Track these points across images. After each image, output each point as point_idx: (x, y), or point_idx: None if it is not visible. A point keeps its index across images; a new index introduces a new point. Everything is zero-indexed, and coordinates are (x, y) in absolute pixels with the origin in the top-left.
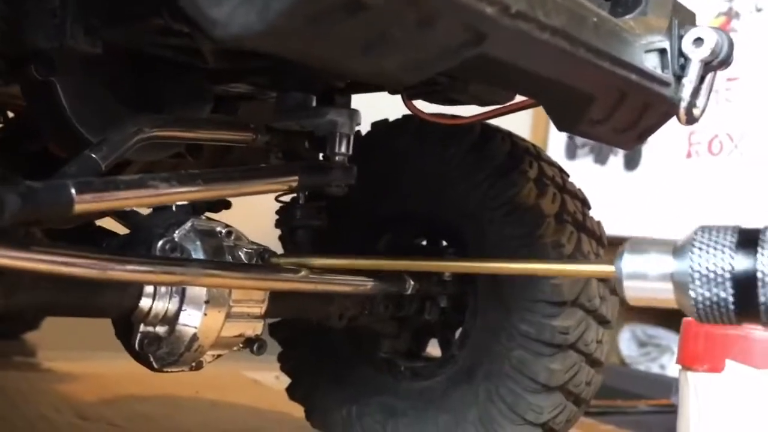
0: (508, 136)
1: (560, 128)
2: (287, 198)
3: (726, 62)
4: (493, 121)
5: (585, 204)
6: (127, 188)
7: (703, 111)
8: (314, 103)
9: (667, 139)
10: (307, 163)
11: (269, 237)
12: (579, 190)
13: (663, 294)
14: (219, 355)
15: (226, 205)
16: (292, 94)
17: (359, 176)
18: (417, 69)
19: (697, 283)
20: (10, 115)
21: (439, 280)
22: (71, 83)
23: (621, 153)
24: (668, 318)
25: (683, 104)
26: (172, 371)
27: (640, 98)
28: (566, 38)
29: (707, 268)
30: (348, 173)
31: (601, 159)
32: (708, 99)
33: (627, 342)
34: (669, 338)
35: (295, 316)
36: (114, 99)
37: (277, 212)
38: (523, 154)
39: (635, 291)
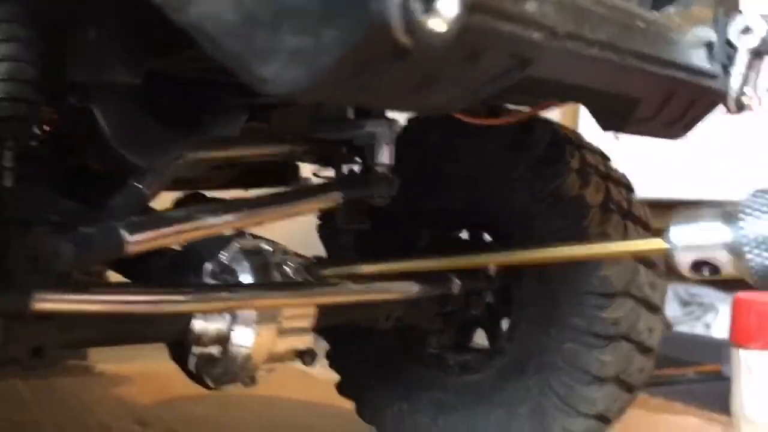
0: (549, 124)
1: (605, 129)
2: None
3: None
4: None
5: (630, 189)
6: (175, 223)
7: (757, 99)
8: (352, 114)
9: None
10: (348, 178)
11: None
12: (623, 175)
13: (720, 263)
14: (273, 369)
15: None
16: (329, 104)
17: (404, 172)
18: (463, 99)
19: (755, 249)
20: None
21: (485, 276)
22: (110, 108)
23: None
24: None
25: (732, 95)
26: (227, 388)
27: (687, 94)
28: (613, 50)
29: (764, 233)
30: (390, 184)
31: None
32: (756, 86)
33: (670, 302)
34: (712, 296)
35: (342, 324)
36: (153, 120)
37: (318, 217)
38: (565, 143)
39: (689, 262)
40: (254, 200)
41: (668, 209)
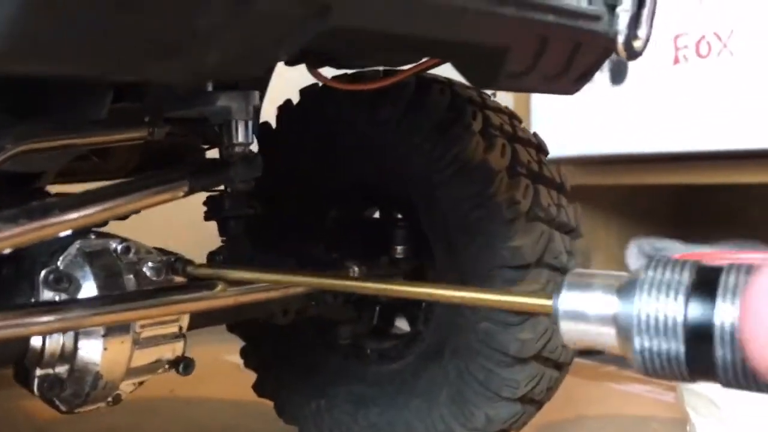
0: (448, 86)
1: (477, 84)
2: None
3: None
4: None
5: (541, 150)
6: None
7: (646, 41)
8: (210, 87)
9: (652, 47)
10: (196, 164)
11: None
12: (534, 135)
13: (604, 339)
14: (141, 383)
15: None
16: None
17: (297, 150)
18: (252, 58)
19: (644, 330)
20: None
21: (391, 260)
22: None
23: (606, 68)
24: (677, 227)
25: (620, 38)
26: (84, 411)
27: (565, 40)
28: None
29: (655, 314)
30: (250, 166)
31: None
32: (651, 26)
33: (635, 257)
34: (678, 249)
35: (228, 323)
36: None
37: (204, 203)
38: (465, 105)
39: (573, 333)
40: (83, 195)
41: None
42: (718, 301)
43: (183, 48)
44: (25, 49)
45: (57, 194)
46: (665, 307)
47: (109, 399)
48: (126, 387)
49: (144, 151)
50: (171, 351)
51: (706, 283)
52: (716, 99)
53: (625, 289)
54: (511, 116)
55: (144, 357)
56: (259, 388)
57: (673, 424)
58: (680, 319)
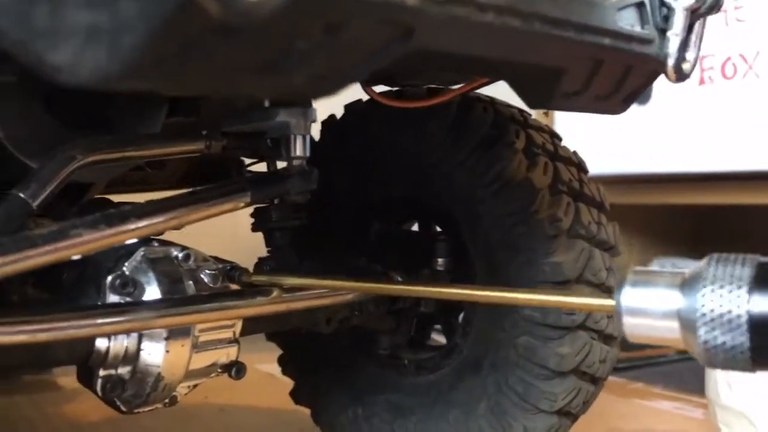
0: (491, 104)
1: (531, 106)
2: None
3: (716, 6)
4: None
5: (581, 169)
6: (45, 243)
7: (694, 64)
8: (267, 103)
9: None
10: (257, 176)
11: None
12: (574, 153)
13: (668, 334)
14: (195, 385)
15: None
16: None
17: (340, 164)
18: (336, 78)
19: (708, 324)
20: None
21: (432, 271)
22: (2, 106)
23: None
24: (698, 246)
25: (671, 61)
26: (143, 412)
27: (619, 62)
28: (515, 15)
29: (719, 307)
30: (307, 179)
31: None
32: (699, 49)
33: None
34: None
35: (276, 330)
36: (54, 120)
37: (252, 215)
38: (508, 123)
39: (637, 328)
40: (145, 207)
41: (633, 184)
42: None
43: (277, 68)
44: (147, 70)
45: (119, 202)
46: (728, 301)
47: (166, 400)
48: (182, 389)
49: (190, 164)
50: (226, 355)
51: (766, 277)
52: (741, 120)
53: (688, 284)
54: (552, 135)
55: (201, 360)
56: (296, 395)
57: None
58: (743, 312)
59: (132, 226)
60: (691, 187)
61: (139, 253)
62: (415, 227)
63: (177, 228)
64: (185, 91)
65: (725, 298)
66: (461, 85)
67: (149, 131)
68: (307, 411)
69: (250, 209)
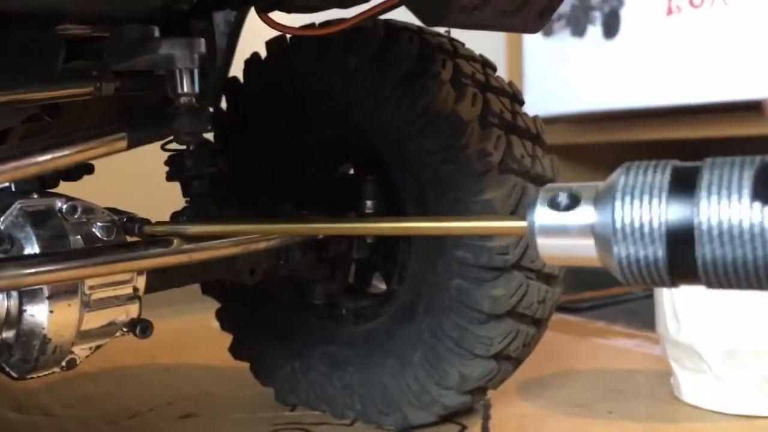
0: (418, 34)
1: (429, 23)
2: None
3: None
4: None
5: (515, 99)
6: None
7: None
8: (157, 34)
9: None
10: (137, 116)
11: None
12: (509, 84)
13: (584, 252)
14: (98, 347)
15: (87, 169)
16: (128, 27)
17: (266, 105)
18: None
19: (622, 237)
20: None
21: (360, 214)
22: None
23: (599, 22)
24: None
25: None
26: (39, 376)
27: None
28: None
29: (633, 220)
30: (197, 118)
31: (578, 31)
32: None
33: None
34: None
35: (191, 284)
36: None
37: (165, 163)
38: (435, 53)
39: (551, 249)
40: (10, 149)
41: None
42: (698, 199)
43: None
44: None
45: None
46: (644, 211)
47: (63, 364)
48: (81, 352)
49: (100, 111)
50: (125, 313)
51: (683, 184)
52: (711, 50)
53: (602, 198)
54: (485, 64)
55: (95, 320)
56: (234, 350)
57: (658, 376)
58: (659, 222)
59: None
60: (662, 122)
61: (15, 207)
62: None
63: (46, 173)
64: None
65: (639, 208)
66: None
67: (48, 74)
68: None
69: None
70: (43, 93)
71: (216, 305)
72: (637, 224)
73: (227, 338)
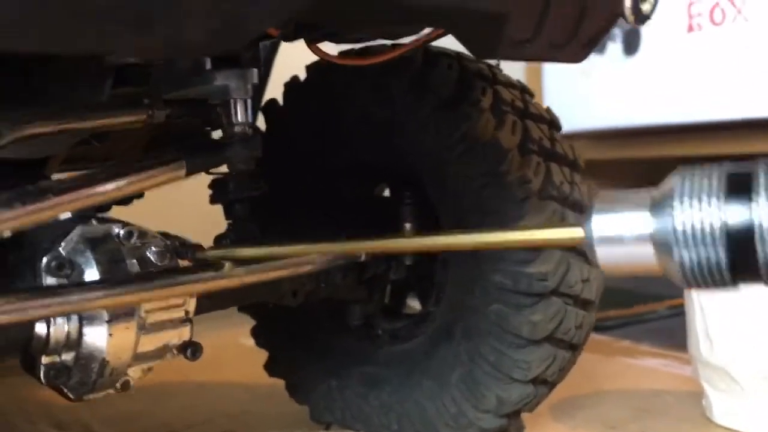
0: (456, 60)
1: (478, 56)
2: None
3: None
4: None
5: (554, 126)
6: None
7: (655, 4)
8: (209, 66)
9: (665, 15)
10: (193, 145)
11: None
12: (546, 110)
13: (643, 258)
14: (150, 368)
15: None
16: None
17: (305, 127)
18: (233, 31)
19: (683, 242)
20: None
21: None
22: None
23: (619, 38)
24: None
25: (628, 1)
26: (93, 398)
27: (570, 4)
28: None
29: (693, 224)
30: (249, 145)
31: (599, 47)
32: None
33: None
34: None
35: (237, 305)
36: None
37: (209, 186)
38: (475, 80)
39: (610, 257)
40: (69, 182)
41: (625, 138)
42: (756, 200)
43: (157, 21)
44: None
45: (57, 180)
46: (702, 215)
47: (118, 385)
48: (134, 373)
49: (151, 137)
50: (177, 336)
51: (739, 186)
52: (731, 67)
53: (658, 204)
54: (523, 91)
55: (151, 342)
56: (270, 367)
57: (689, 396)
58: (719, 224)
59: (50, 203)
60: (682, 138)
61: (76, 233)
62: (387, 193)
63: (108, 203)
64: (47, 49)
65: (699, 212)
66: (413, 38)
67: (95, 101)
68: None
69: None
70: (97, 121)
71: (244, 321)
72: (697, 228)
73: (258, 354)
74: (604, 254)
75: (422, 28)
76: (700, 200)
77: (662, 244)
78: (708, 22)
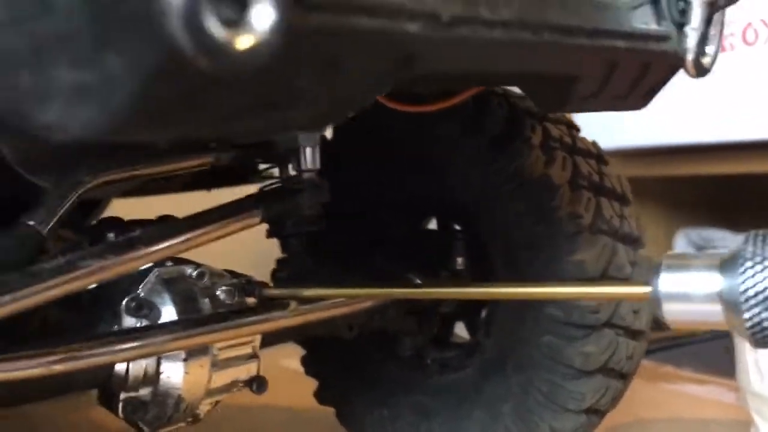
0: (505, 98)
1: (545, 111)
2: None
3: None
4: None
5: (601, 160)
6: (52, 277)
7: (714, 58)
8: None
9: None
10: (267, 192)
11: None
12: (593, 144)
13: (711, 317)
14: (218, 402)
15: None
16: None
17: (355, 164)
18: (338, 111)
19: (753, 303)
20: None
21: (451, 271)
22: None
23: None
24: (725, 216)
25: (690, 56)
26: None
27: (635, 62)
28: (524, 27)
29: (764, 284)
30: (318, 192)
31: None
32: (720, 42)
33: (683, 248)
34: (727, 238)
35: (295, 339)
36: None
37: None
38: (524, 117)
39: (677, 314)
40: (151, 232)
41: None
42: None
43: (278, 107)
44: (140, 122)
45: (129, 222)
46: None
47: (189, 419)
48: (204, 407)
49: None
50: (246, 371)
51: None
52: (764, 86)
53: (728, 264)
54: (570, 126)
55: (222, 378)
56: (320, 395)
57: (736, 426)
58: None
59: (140, 253)
60: (714, 157)
61: (153, 274)
62: (435, 226)
63: (189, 250)
64: (184, 138)
65: None
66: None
67: (162, 146)
68: (330, 409)
69: None
70: (167, 167)
71: (283, 345)
72: (766, 291)
73: (300, 379)
74: (670, 310)
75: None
76: None
77: (731, 304)
78: (740, 42)
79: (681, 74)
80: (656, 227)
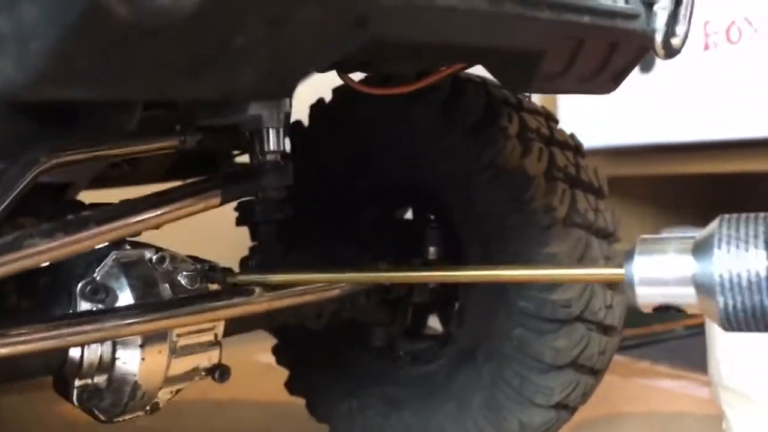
0: (483, 86)
1: (511, 89)
2: None
3: None
4: None
5: (578, 152)
6: None
7: (684, 39)
8: None
9: None
10: (228, 173)
11: None
12: (571, 136)
13: (684, 300)
14: (178, 390)
15: None
16: None
17: (329, 150)
18: (285, 76)
19: (726, 287)
20: None
21: (424, 262)
22: None
23: None
24: (709, 215)
25: (659, 36)
26: (124, 420)
27: (602, 40)
28: None
29: (737, 269)
30: (281, 173)
31: None
32: (689, 23)
33: None
34: None
35: (261, 328)
36: (23, 118)
37: (235, 209)
38: (501, 107)
39: (651, 298)
40: (104, 212)
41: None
42: None
43: (215, 68)
44: (60, 77)
45: (91, 205)
46: (745, 262)
47: (147, 407)
48: (163, 395)
49: (174, 158)
50: (207, 359)
51: None
52: (747, 85)
53: (701, 248)
54: (548, 117)
55: (181, 366)
56: (291, 386)
57: (708, 420)
58: (763, 272)
59: (92, 232)
60: (699, 156)
61: (111, 258)
62: (410, 215)
63: (138, 233)
64: (110, 97)
65: (742, 258)
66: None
67: (125, 126)
68: (302, 402)
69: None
70: (130, 148)
71: (258, 338)
72: (743, 274)
73: (274, 372)
74: (644, 294)
75: (455, 62)
76: (743, 246)
77: (704, 287)
78: (724, 41)
79: (668, 72)
80: (642, 226)
